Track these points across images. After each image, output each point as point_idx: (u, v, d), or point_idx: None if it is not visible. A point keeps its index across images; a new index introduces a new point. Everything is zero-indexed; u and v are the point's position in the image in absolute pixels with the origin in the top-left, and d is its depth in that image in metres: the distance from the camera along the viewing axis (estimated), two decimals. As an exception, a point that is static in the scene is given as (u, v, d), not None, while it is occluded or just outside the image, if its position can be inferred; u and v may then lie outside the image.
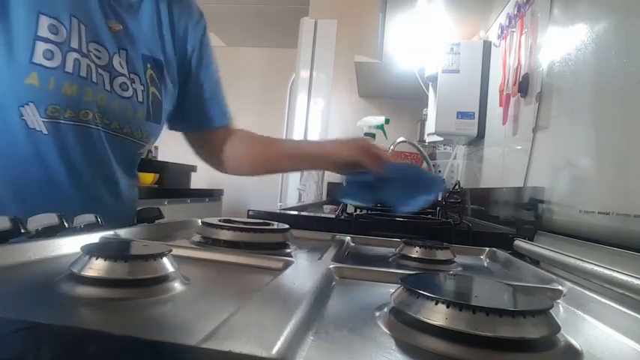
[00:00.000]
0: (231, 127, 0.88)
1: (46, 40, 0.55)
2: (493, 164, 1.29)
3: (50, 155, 0.59)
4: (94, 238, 0.51)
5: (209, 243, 0.57)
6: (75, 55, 0.58)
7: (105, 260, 0.33)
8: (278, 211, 1.00)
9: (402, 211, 0.73)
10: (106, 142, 0.65)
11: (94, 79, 0.61)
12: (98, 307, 0.31)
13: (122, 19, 0.66)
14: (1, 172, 0.57)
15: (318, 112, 2.24)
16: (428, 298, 0.28)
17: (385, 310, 0.33)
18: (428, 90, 1.74)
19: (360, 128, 1.51)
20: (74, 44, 0.59)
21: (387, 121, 1.47)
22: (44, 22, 0.55)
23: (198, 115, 0.82)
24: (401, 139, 1.26)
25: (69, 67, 0.58)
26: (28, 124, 0.56)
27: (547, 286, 0.45)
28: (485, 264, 0.65)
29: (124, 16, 0.66)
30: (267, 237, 0.58)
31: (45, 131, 0.58)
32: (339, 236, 0.71)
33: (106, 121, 0.64)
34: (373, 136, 1.49)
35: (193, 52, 0.78)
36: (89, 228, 0.56)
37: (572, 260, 0.52)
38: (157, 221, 0.71)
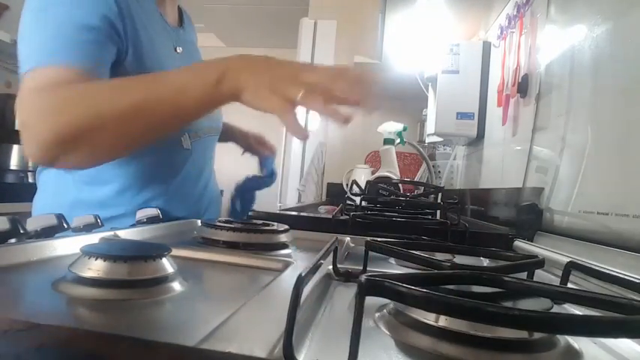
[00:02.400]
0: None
1: None
2: (492, 165, 1.29)
3: (193, 163, 0.81)
4: (93, 238, 0.51)
5: (209, 243, 0.57)
6: None
7: (104, 261, 0.33)
8: (277, 211, 1.00)
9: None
10: (211, 144, 0.88)
11: None
12: (97, 308, 0.31)
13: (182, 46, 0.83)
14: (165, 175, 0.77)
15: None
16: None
17: (385, 310, 0.33)
18: (427, 90, 1.74)
19: (380, 134, 1.53)
20: None
21: (405, 129, 1.51)
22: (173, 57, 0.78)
23: None
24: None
25: None
26: (184, 145, 0.77)
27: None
28: (485, 264, 0.65)
29: (183, 46, 0.83)
30: (266, 237, 0.58)
31: (190, 148, 0.79)
32: (338, 237, 0.71)
33: (216, 127, 0.88)
34: (392, 141, 1.51)
35: None
36: (89, 228, 0.56)
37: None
38: (156, 222, 0.71)
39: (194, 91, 0.53)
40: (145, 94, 0.54)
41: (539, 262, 0.42)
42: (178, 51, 0.79)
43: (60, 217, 0.52)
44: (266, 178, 1.04)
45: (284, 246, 0.60)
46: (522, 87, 1.02)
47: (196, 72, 0.56)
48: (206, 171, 0.87)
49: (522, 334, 0.27)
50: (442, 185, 1.63)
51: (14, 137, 2.00)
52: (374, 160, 2.28)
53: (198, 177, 0.83)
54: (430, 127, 1.59)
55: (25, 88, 0.58)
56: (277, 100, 0.51)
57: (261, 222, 0.68)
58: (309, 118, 2.19)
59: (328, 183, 2.38)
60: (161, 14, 0.77)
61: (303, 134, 0.53)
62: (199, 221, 0.77)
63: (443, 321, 0.27)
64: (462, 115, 1.38)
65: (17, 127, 0.61)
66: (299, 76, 0.51)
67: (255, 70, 0.53)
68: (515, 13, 1.14)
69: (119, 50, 0.64)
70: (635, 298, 0.33)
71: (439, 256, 0.55)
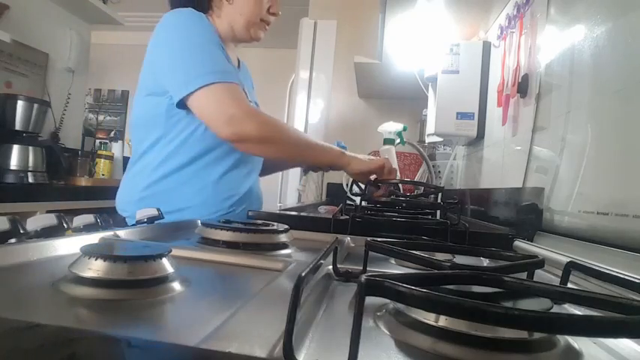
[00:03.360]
0: None
1: None
2: (492, 165, 1.29)
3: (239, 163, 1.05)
4: (93, 238, 0.51)
5: (209, 243, 0.57)
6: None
7: (104, 261, 0.33)
8: (278, 211, 1.00)
9: None
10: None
11: None
12: (98, 308, 0.31)
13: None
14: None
15: (318, 112, 2.24)
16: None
17: (385, 310, 0.33)
18: (427, 90, 1.74)
19: (380, 133, 1.54)
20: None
21: (404, 129, 1.52)
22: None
23: None
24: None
25: None
26: None
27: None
28: (485, 264, 0.65)
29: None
30: (266, 237, 0.59)
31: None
32: (338, 237, 0.71)
33: None
34: (392, 141, 1.51)
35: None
36: (89, 228, 0.56)
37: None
38: (156, 222, 0.71)
39: (328, 159, 1.01)
40: (309, 144, 1.00)
41: (539, 262, 0.42)
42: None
43: (60, 217, 0.52)
44: None
45: (284, 246, 0.60)
46: (522, 87, 1.02)
47: (336, 152, 1.03)
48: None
49: (522, 334, 0.27)
50: (442, 185, 1.63)
51: (14, 137, 2.00)
52: (374, 160, 2.28)
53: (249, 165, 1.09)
54: (430, 127, 1.59)
55: (212, 96, 0.89)
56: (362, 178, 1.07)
57: (261, 222, 0.68)
58: (309, 121, 2.20)
59: (328, 183, 2.38)
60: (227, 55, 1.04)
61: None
62: (199, 221, 0.77)
63: (443, 321, 0.27)
64: (462, 115, 1.38)
65: (219, 118, 0.91)
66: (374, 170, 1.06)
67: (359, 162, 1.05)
68: (515, 13, 1.14)
69: None
70: (635, 298, 0.33)
71: (439, 256, 0.55)
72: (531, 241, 0.78)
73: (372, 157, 1.10)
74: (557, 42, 0.87)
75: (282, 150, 0.97)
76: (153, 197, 0.95)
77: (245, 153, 1.00)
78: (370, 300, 0.23)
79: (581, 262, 0.43)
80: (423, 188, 1.39)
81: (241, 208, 1.04)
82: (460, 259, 0.58)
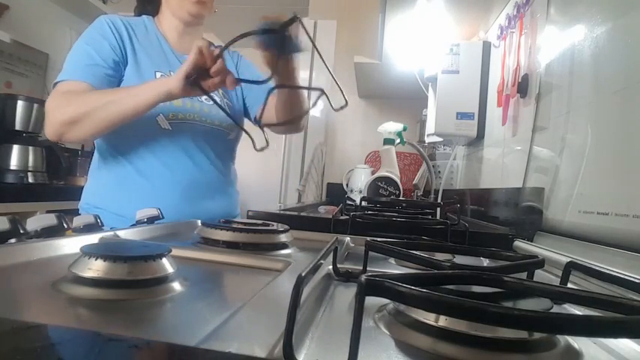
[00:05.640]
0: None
1: None
2: (492, 165, 1.29)
3: (172, 142, 0.97)
4: (93, 238, 0.51)
5: (209, 243, 0.57)
6: None
7: (104, 261, 0.33)
8: (278, 211, 1.00)
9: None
10: (203, 132, 1.00)
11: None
12: (98, 308, 0.31)
13: None
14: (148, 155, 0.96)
15: (318, 112, 2.24)
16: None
17: (385, 310, 0.33)
18: (427, 91, 1.74)
19: (380, 133, 1.54)
20: None
21: (404, 129, 1.52)
22: (158, 74, 0.96)
23: (255, 102, 1.13)
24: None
25: None
26: (161, 125, 0.95)
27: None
28: (485, 264, 0.65)
29: None
30: (266, 238, 0.58)
31: (170, 128, 0.96)
32: (338, 237, 0.71)
33: (202, 118, 1.00)
34: (392, 141, 1.51)
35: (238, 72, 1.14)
36: (89, 228, 0.56)
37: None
38: (156, 222, 0.71)
39: (145, 97, 0.84)
40: (114, 97, 0.86)
41: (539, 262, 0.42)
42: (171, 73, 0.98)
43: (60, 217, 0.52)
44: None
45: (284, 246, 0.60)
46: (522, 87, 1.02)
47: (155, 83, 0.87)
48: (196, 155, 1.00)
49: (522, 334, 0.27)
50: (440, 201, 1.60)
51: (14, 137, 2.00)
52: (374, 160, 2.28)
53: (182, 155, 0.98)
54: (430, 127, 1.59)
55: (55, 92, 0.89)
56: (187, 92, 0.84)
57: (261, 222, 0.68)
58: (309, 121, 2.19)
59: (328, 183, 2.38)
60: (166, 44, 1.02)
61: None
62: (199, 221, 0.77)
63: (443, 321, 0.27)
64: (462, 115, 1.38)
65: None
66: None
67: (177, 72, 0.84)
68: (515, 13, 1.14)
69: (121, 69, 0.95)
70: (635, 298, 0.33)
71: (439, 256, 0.55)
72: (531, 241, 0.78)
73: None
74: (557, 42, 0.87)
75: (91, 123, 0.85)
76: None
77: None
78: (370, 300, 0.23)
79: (581, 262, 0.43)
80: (421, 193, 1.39)
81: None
82: (460, 259, 0.58)
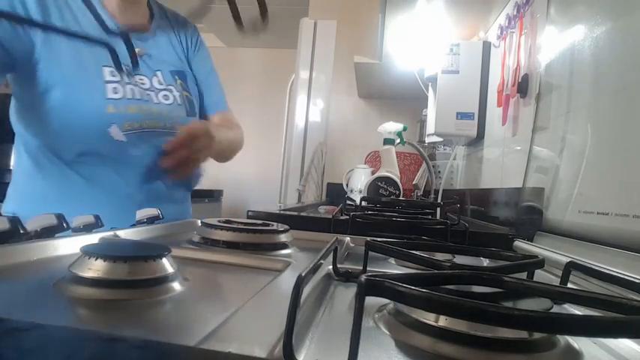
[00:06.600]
0: (226, 117, 1.08)
1: (111, 82, 0.84)
2: (492, 165, 1.29)
3: (127, 153, 0.86)
4: (93, 238, 0.51)
5: (208, 243, 0.57)
6: (129, 86, 0.86)
7: (104, 261, 0.33)
8: (278, 211, 1.00)
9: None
10: (162, 140, 0.87)
11: (146, 98, 0.88)
12: (97, 308, 0.31)
13: (143, 47, 0.92)
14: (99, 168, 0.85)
15: (318, 112, 2.24)
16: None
17: (385, 310, 0.33)
18: (427, 91, 1.74)
19: (380, 133, 1.54)
20: (126, 80, 0.86)
21: (404, 129, 1.52)
22: (106, 70, 0.84)
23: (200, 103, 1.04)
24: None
25: (129, 95, 0.85)
26: (114, 137, 0.84)
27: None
28: (485, 264, 0.65)
29: (145, 45, 0.92)
30: (266, 238, 0.59)
31: (124, 139, 0.85)
32: (338, 237, 0.71)
33: (161, 124, 0.90)
34: (392, 141, 1.51)
35: (194, 56, 1.03)
36: (89, 228, 0.56)
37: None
38: (156, 222, 0.71)
39: None
40: None
41: (539, 262, 0.42)
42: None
43: (60, 217, 0.52)
44: None
45: (284, 246, 0.60)
46: (522, 87, 1.02)
47: None
48: (153, 163, 0.89)
49: (522, 334, 0.27)
50: (440, 201, 1.60)
51: (14, 137, 2.00)
52: (374, 160, 2.28)
53: (137, 164, 0.88)
54: (430, 127, 1.59)
55: None
56: None
57: (261, 222, 0.68)
58: (309, 121, 2.20)
59: (328, 183, 2.38)
60: (100, 17, 0.85)
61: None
62: (199, 221, 0.77)
63: (443, 321, 0.27)
64: (462, 115, 1.38)
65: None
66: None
67: None
68: (515, 13, 1.14)
69: (21, 51, 0.77)
70: (635, 298, 0.33)
71: (439, 256, 0.55)
72: (531, 241, 0.78)
73: None
74: (557, 42, 0.87)
75: None
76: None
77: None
78: (370, 300, 0.23)
79: (581, 262, 0.43)
80: (421, 193, 1.39)
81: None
82: (460, 259, 0.58)
